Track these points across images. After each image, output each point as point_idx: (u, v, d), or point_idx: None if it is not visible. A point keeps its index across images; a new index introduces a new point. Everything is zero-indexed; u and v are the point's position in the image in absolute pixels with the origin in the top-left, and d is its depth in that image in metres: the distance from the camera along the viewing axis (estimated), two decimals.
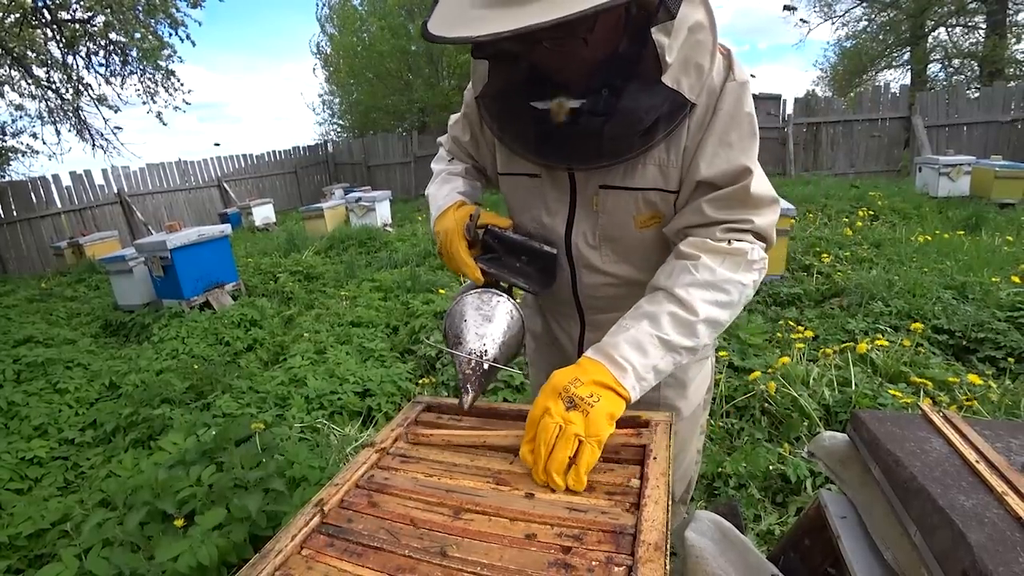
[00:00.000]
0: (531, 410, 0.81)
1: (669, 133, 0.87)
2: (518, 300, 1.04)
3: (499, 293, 0.98)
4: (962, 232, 5.44)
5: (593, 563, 0.61)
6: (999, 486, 0.73)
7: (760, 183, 0.91)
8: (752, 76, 0.94)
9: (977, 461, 0.79)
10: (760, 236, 0.93)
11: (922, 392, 2.42)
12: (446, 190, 1.13)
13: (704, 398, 1.22)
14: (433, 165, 1.22)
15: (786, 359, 2.68)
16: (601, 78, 0.85)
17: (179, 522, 1.73)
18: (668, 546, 0.62)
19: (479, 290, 0.98)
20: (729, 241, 0.91)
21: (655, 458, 0.78)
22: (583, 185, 0.97)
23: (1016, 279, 3.59)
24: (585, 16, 0.67)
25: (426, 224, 8.35)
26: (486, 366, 0.89)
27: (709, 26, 0.85)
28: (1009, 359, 2.81)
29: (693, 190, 0.92)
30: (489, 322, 0.93)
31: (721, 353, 2.92)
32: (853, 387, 2.46)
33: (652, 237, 0.99)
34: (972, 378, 2.38)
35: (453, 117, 1.20)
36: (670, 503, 0.70)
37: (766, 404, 2.49)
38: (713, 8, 0.86)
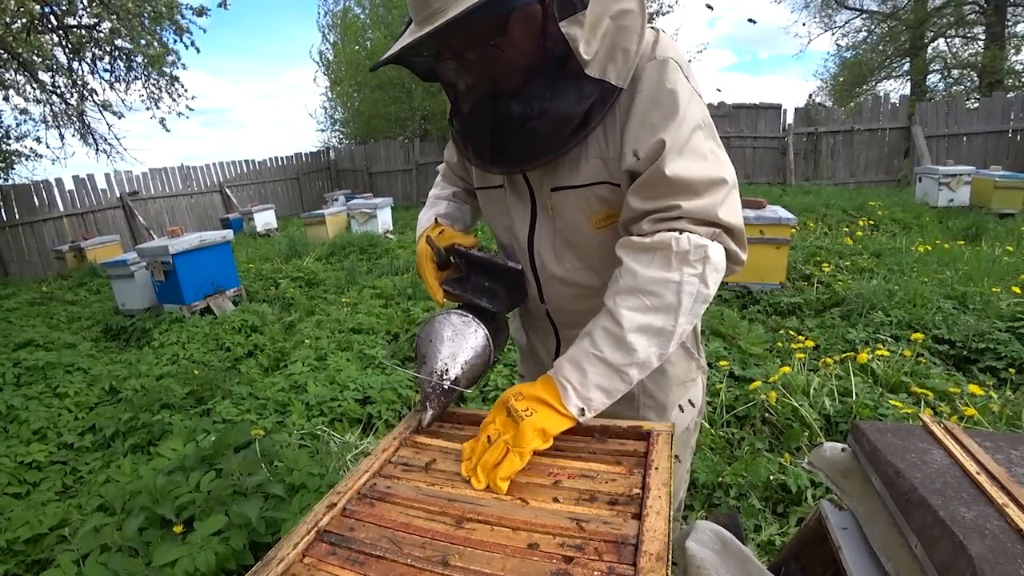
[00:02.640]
0: (486, 417, 0.87)
1: (600, 122, 0.87)
2: (510, 316, 1.05)
3: (465, 314, 0.98)
4: (962, 242, 5.45)
5: (595, 573, 0.61)
6: (1000, 498, 0.73)
7: (684, 163, 0.81)
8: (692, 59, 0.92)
9: (978, 473, 0.79)
10: (703, 221, 0.83)
11: (923, 402, 2.41)
12: (429, 214, 1.17)
13: (695, 420, 1.20)
14: (431, 191, 1.27)
15: (787, 369, 2.68)
16: (531, 80, 0.86)
17: (178, 528, 1.72)
18: (669, 556, 0.62)
19: (448, 311, 1.00)
20: (654, 234, 0.83)
21: (656, 468, 0.79)
22: (539, 190, 0.98)
23: (1016, 289, 3.59)
24: (468, 17, 0.72)
25: None
26: (446, 386, 0.92)
27: (638, 10, 0.84)
28: (1010, 370, 2.81)
29: (628, 182, 0.88)
30: (453, 343, 0.95)
31: (722, 363, 2.92)
32: (854, 397, 2.45)
33: (612, 239, 0.93)
34: (973, 388, 2.38)
35: (449, 143, 1.24)
36: (672, 513, 0.70)
37: (767, 414, 2.49)
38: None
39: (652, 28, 0.88)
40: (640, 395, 1.10)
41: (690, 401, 1.16)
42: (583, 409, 0.83)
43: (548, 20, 0.83)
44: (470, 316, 0.98)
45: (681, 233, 0.81)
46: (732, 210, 0.85)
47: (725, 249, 0.85)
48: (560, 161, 0.92)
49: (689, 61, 0.89)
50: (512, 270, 1.02)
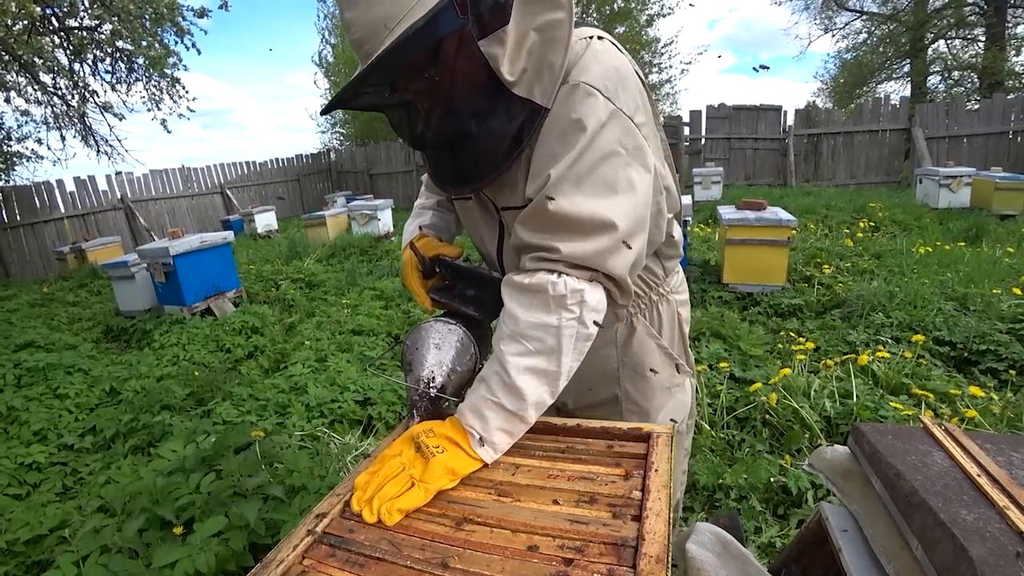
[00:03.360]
0: (387, 448, 0.84)
1: (528, 143, 0.86)
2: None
3: (451, 321, 0.98)
4: (963, 243, 5.44)
5: (594, 575, 0.61)
6: (1000, 500, 0.73)
7: (573, 198, 0.80)
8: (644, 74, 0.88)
9: (979, 475, 0.79)
10: (580, 266, 0.82)
11: (923, 404, 2.41)
12: (414, 225, 1.18)
13: (687, 422, 1.19)
14: (416, 201, 1.28)
15: (787, 370, 2.68)
16: (469, 104, 0.85)
17: (178, 529, 1.72)
18: (669, 558, 0.62)
19: (434, 319, 1.00)
20: (534, 272, 0.84)
21: (656, 470, 0.79)
22: (501, 207, 0.98)
23: (1017, 291, 3.59)
24: (395, 52, 0.71)
25: None
26: (432, 393, 0.91)
27: (565, 18, 0.80)
28: (1011, 371, 2.81)
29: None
30: (439, 350, 0.95)
31: (722, 364, 2.92)
32: (854, 399, 2.45)
33: None
34: (974, 390, 2.38)
35: None
36: (671, 515, 0.70)
37: (767, 415, 2.49)
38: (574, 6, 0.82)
39: (588, 37, 0.85)
40: (623, 401, 1.11)
41: (678, 404, 1.15)
42: (484, 443, 0.83)
43: (476, 43, 0.81)
44: (456, 324, 0.98)
45: (559, 276, 0.82)
46: (618, 263, 0.83)
47: (605, 289, 0.85)
48: (503, 181, 0.92)
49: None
50: (496, 280, 1.02)
